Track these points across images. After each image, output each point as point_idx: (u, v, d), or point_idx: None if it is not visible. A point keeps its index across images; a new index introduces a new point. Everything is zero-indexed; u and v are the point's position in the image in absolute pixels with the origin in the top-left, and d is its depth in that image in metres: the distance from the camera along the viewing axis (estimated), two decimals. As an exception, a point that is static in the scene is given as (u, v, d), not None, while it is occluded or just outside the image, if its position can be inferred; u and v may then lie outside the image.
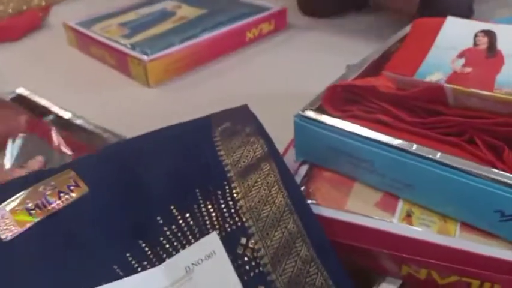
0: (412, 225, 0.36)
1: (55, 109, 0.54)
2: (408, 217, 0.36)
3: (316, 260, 0.31)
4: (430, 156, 0.34)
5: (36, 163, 0.41)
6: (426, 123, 0.37)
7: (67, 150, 0.44)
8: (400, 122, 0.38)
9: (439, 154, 0.34)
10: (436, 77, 0.45)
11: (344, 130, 0.38)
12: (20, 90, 0.57)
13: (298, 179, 0.42)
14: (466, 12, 0.84)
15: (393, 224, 0.35)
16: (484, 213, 0.33)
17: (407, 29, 0.56)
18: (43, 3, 1.00)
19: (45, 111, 0.54)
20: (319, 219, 0.35)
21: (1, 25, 0.89)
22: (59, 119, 0.53)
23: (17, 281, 0.30)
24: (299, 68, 0.76)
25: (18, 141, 0.44)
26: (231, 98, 0.66)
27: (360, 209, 0.37)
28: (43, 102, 0.55)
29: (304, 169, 0.43)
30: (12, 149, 0.43)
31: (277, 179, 0.34)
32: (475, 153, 0.34)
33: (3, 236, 0.31)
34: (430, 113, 0.37)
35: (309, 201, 0.39)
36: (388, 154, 0.36)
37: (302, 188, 0.41)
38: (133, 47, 0.75)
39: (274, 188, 0.34)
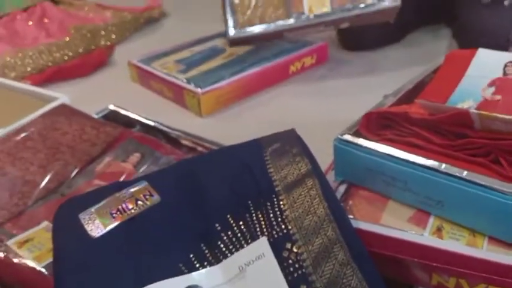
0: (442, 239, 0.39)
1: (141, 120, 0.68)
2: (438, 231, 0.40)
3: (352, 263, 0.35)
4: (458, 174, 0.38)
5: (134, 158, 0.54)
6: (455, 145, 0.41)
7: (156, 150, 0.56)
8: (430, 144, 0.42)
9: (465, 172, 0.38)
10: (467, 104, 0.49)
11: (379, 152, 0.43)
12: (112, 107, 0.70)
13: (337, 197, 0.47)
14: (504, 44, 0.87)
15: (424, 236, 0.39)
16: (509, 227, 0.36)
17: (440, 61, 0.60)
18: (108, 43, 1.13)
19: (133, 122, 0.68)
20: (356, 232, 0.40)
21: (74, 63, 1.01)
22: (144, 128, 0.66)
23: (101, 273, 0.36)
24: (340, 98, 0.81)
25: (120, 145, 0.57)
26: (275, 125, 0.72)
27: (393, 224, 0.41)
28: (131, 115, 0.69)
29: (343, 188, 0.48)
30: (116, 150, 0.56)
31: (319, 192, 0.39)
32: (499, 171, 0.38)
33: (93, 234, 0.38)
34: (458, 136, 0.41)
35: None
36: (420, 173, 0.40)
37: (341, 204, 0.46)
38: (188, 81, 0.83)
39: (316, 200, 0.39)
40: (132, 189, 0.41)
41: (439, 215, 0.41)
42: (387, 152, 0.42)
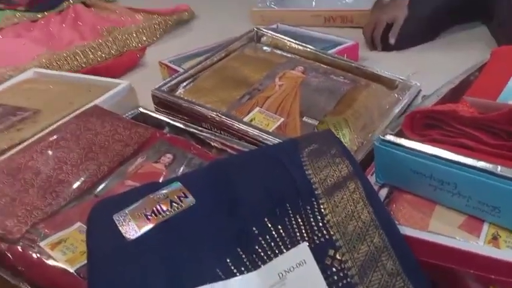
0: (499, 248, 0.36)
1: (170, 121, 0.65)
2: (494, 240, 0.37)
3: (402, 274, 0.32)
4: (517, 178, 0.35)
5: (166, 159, 0.53)
6: (510, 146, 0.37)
7: (187, 151, 0.56)
8: (481, 144, 0.39)
9: (525, 176, 0.35)
10: (519, 102, 0.46)
11: (426, 153, 0.40)
12: (141, 109, 0.68)
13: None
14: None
15: (480, 245, 0.36)
16: None
17: (486, 58, 0.56)
18: (139, 45, 1.13)
19: (163, 124, 0.65)
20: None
21: (106, 64, 1.02)
22: (173, 130, 0.63)
23: (136, 276, 0.35)
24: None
25: (152, 146, 0.56)
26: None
27: (443, 231, 0.38)
28: (160, 117, 0.66)
29: (384, 192, 0.45)
30: (147, 151, 0.55)
31: (363, 196, 0.37)
32: None
33: (127, 236, 0.36)
34: (514, 137, 0.38)
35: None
36: (472, 176, 0.37)
37: (384, 209, 0.43)
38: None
39: (359, 204, 0.36)
40: (166, 191, 0.40)
41: (494, 222, 0.38)
42: (435, 153, 0.39)
